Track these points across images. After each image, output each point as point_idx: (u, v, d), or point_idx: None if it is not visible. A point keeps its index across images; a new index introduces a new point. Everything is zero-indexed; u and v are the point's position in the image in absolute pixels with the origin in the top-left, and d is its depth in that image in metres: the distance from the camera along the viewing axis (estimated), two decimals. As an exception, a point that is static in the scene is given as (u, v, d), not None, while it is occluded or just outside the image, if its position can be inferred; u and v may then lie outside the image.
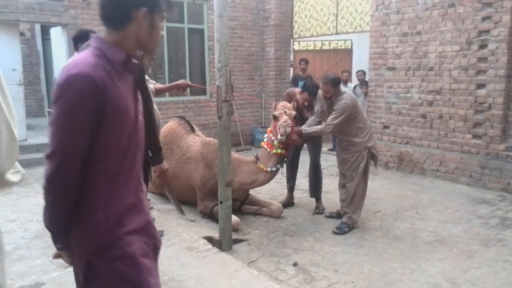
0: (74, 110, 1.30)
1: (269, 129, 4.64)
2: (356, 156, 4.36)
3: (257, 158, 4.59)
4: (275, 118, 4.38)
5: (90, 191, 1.41)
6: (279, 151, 4.42)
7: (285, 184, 5.28)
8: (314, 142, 4.97)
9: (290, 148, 4.59)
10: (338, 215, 4.66)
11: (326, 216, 4.81)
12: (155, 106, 3.49)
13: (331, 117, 4.26)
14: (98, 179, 1.42)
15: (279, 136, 4.21)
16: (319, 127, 4.41)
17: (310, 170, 5.09)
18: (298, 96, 4.80)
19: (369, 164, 4.46)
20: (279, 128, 4.20)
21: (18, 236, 3.84)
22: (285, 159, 4.58)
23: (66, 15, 7.10)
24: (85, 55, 1.38)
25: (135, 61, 1.49)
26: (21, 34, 9.54)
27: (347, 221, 4.40)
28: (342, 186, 4.62)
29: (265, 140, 4.60)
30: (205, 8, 8.63)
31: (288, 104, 4.53)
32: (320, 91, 4.47)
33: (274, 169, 4.47)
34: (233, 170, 4.22)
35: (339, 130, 4.36)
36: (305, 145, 5.05)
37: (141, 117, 1.53)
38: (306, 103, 4.71)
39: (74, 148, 1.33)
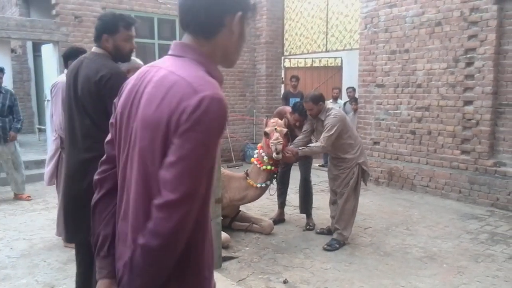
0: (213, 143, 1.05)
1: (259, 145, 4.66)
2: (347, 173, 4.38)
3: (247, 174, 4.59)
4: (266, 135, 4.40)
5: (196, 242, 1.15)
6: (269, 167, 4.43)
7: (276, 200, 5.28)
8: (304, 157, 4.99)
9: (280, 164, 4.60)
10: (329, 232, 4.66)
11: (317, 233, 4.80)
12: None
13: (324, 134, 4.27)
14: (202, 227, 1.15)
15: (274, 154, 4.23)
16: (315, 145, 4.40)
17: (300, 186, 5.10)
18: (289, 116, 4.84)
19: (360, 180, 4.48)
20: (271, 145, 4.22)
21: (3, 255, 3.79)
22: (275, 176, 4.59)
23: (58, 33, 7.13)
24: (198, 72, 1.11)
25: None
26: (13, 51, 9.55)
27: (337, 238, 4.40)
28: (332, 202, 4.63)
29: (255, 156, 4.61)
30: (178, 24, 8.70)
31: (279, 121, 4.56)
32: None
33: (264, 185, 4.48)
34: (223, 186, 4.21)
35: (331, 146, 4.38)
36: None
37: None
38: (297, 123, 4.74)
39: (200, 190, 1.06)
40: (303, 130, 4.66)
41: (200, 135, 1.02)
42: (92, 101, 2.31)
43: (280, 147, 4.20)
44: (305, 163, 5.03)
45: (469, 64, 5.91)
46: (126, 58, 2.55)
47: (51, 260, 3.66)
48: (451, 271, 3.83)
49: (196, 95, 1.02)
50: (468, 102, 5.97)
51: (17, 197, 5.75)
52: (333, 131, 4.23)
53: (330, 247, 4.31)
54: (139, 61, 3.14)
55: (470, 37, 5.87)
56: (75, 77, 2.39)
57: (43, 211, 5.23)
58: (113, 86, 2.19)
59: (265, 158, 4.42)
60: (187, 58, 1.14)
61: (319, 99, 4.38)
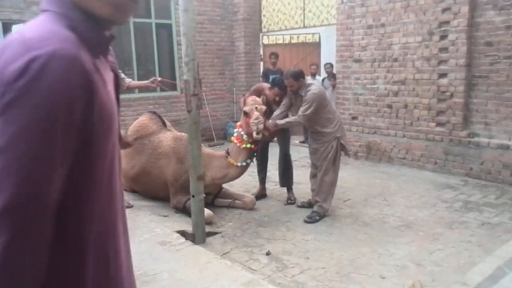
0: (52, 120, 0.71)
1: (238, 123, 4.68)
2: (325, 146, 4.48)
3: (227, 153, 4.62)
4: (246, 114, 4.42)
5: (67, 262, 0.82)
6: (248, 145, 4.47)
7: (257, 176, 5.34)
8: (283, 133, 5.05)
9: (260, 142, 4.65)
10: (309, 205, 4.76)
11: (298, 206, 4.90)
12: None
13: (302, 108, 4.35)
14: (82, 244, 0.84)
15: (255, 134, 4.26)
16: (292, 118, 4.49)
17: (280, 160, 5.17)
18: (267, 91, 4.86)
19: (339, 154, 4.58)
20: (252, 125, 4.24)
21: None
22: (255, 154, 4.64)
23: (28, 12, 6.91)
24: (51, 27, 0.79)
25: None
26: (-19, 32, 9.20)
27: (317, 210, 4.51)
28: (313, 176, 4.73)
29: (235, 135, 4.64)
30: (172, 3, 8.56)
31: (258, 99, 4.58)
32: None
33: (244, 164, 4.52)
34: (204, 164, 4.25)
35: (310, 121, 4.46)
36: None
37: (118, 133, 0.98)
38: (277, 98, 4.77)
39: (51, 190, 0.73)
40: (281, 104, 4.70)
41: (28, 113, 0.69)
42: None
43: (261, 126, 4.23)
44: (284, 138, 5.09)
45: (443, 37, 6.01)
46: None
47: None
48: (427, 238, 3.99)
49: (26, 54, 0.71)
50: (442, 75, 6.09)
51: None
52: (311, 107, 4.30)
53: (311, 219, 4.43)
54: None
55: (444, 10, 5.94)
56: None
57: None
58: None
59: (245, 136, 4.46)
60: (50, 12, 0.83)
61: (299, 75, 4.44)
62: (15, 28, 7.37)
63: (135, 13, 0.85)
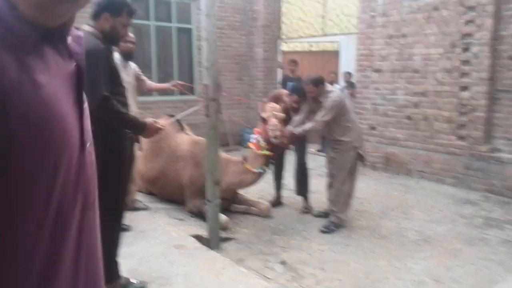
0: None
1: (256, 130, 4.67)
2: (343, 155, 4.42)
3: (244, 159, 4.60)
4: (264, 120, 4.40)
5: None
6: (266, 152, 4.44)
7: (274, 184, 5.31)
8: (300, 141, 5.01)
9: (277, 150, 4.61)
10: (326, 215, 4.70)
11: (314, 215, 4.85)
12: (135, 108, 3.41)
13: (320, 114, 4.31)
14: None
15: (272, 139, 4.23)
16: (309, 125, 4.43)
17: (296, 169, 5.12)
18: (286, 98, 4.83)
19: (357, 164, 4.52)
20: (269, 131, 4.22)
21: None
22: (272, 161, 4.61)
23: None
24: None
25: (77, 31, 0.87)
26: None
27: (334, 220, 4.45)
28: (330, 185, 4.67)
29: (253, 141, 4.62)
30: (193, 8, 8.62)
31: (276, 105, 4.56)
32: None
33: (260, 170, 4.49)
34: (221, 170, 4.23)
35: (328, 128, 4.42)
36: None
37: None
38: (295, 105, 4.74)
39: None
40: (301, 110, 4.67)
41: None
42: None
43: (278, 132, 4.21)
44: (301, 147, 5.06)
45: (465, 49, 5.92)
46: (118, 42, 2.60)
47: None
48: (446, 253, 3.90)
49: None
50: (464, 88, 5.99)
51: None
52: (329, 114, 4.26)
53: (327, 229, 4.37)
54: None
55: (467, 22, 5.86)
56: None
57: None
58: (87, 61, 2.22)
59: (262, 143, 4.43)
60: None
61: (319, 82, 4.41)
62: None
63: (71, 15, 0.73)
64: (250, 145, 4.63)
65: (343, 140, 4.41)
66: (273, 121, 4.26)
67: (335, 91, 4.55)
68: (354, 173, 4.52)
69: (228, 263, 3.33)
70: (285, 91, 5.12)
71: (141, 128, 2.57)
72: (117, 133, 2.49)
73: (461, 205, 5.30)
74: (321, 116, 4.29)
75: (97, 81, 2.30)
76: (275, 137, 4.20)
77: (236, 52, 9.43)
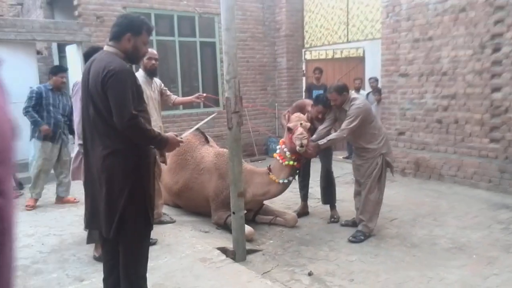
0: None
1: (281, 140, 4.64)
2: (370, 163, 4.34)
3: (269, 169, 4.58)
4: (290, 130, 4.36)
5: None
6: (291, 162, 4.40)
7: (299, 193, 5.25)
8: (325, 149, 4.93)
9: (303, 160, 4.56)
10: (353, 224, 4.61)
11: (342, 225, 4.76)
12: (159, 123, 3.46)
13: (345, 122, 4.25)
14: None
15: (298, 148, 4.19)
16: (334, 135, 4.36)
17: (322, 177, 5.05)
18: (310, 108, 4.79)
19: (384, 171, 4.42)
20: (295, 140, 4.18)
21: (35, 250, 3.90)
22: (297, 171, 4.56)
23: (81, 33, 7.27)
24: None
25: None
26: (39, 52, 9.80)
27: (362, 229, 4.35)
28: (357, 194, 4.58)
29: (278, 151, 4.59)
30: (216, 22, 8.73)
31: (302, 115, 4.52)
32: None
33: (286, 181, 4.44)
34: (245, 181, 4.22)
35: (354, 136, 4.35)
36: None
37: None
38: (320, 116, 4.68)
39: None
40: (326, 119, 4.61)
41: None
42: (99, 97, 2.37)
43: (305, 141, 4.15)
44: (326, 154, 4.98)
45: (496, 50, 5.72)
46: (139, 60, 2.69)
47: (80, 255, 3.75)
48: (481, 262, 3.74)
49: None
50: (496, 89, 5.78)
51: (63, 200, 5.56)
52: (354, 121, 4.19)
53: (355, 239, 4.27)
54: None
55: (497, 22, 5.67)
56: (88, 75, 2.47)
57: (72, 207, 5.36)
58: (116, 81, 2.31)
59: (288, 153, 4.40)
60: None
61: (343, 89, 4.35)
62: (68, 49, 7.78)
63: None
64: (276, 155, 4.61)
65: (370, 147, 4.32)
66: (300, 130, 4.22)
67: (359, 98, 4.48)
68: (381, 181, 4.41)
69: (254, 276, 3.29)
70: (308, 101, 5.07)
71: (164, 144, 2.61)
72: (142, 150, 2.53)
73: (496, 210, 5.07)
74: (347, 124, 4.22)
75: (126, 100, 2.35)
76: (301, 146, 4.15)
77: (260, 62, 9.47)
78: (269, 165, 4.65)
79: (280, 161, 4.48)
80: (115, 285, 2.69)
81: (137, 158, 2.47)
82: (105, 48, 2.54)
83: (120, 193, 2.40)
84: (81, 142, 3.13)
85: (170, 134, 2.71)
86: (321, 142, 4.33)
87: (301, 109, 4.85)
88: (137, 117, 2.38)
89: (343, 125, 4.25)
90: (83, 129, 2.57)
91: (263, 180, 4.55)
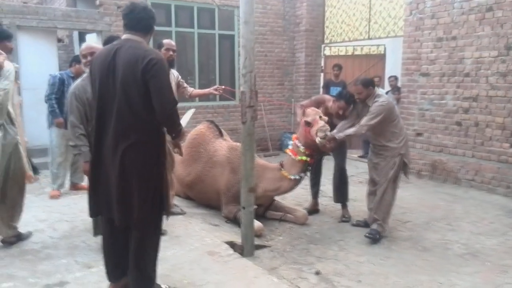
0: None
1: (294, 135, 4.59)
2: (387, 162, 4.27)
3: (281, 165, 4.53)
4: (308, 123, 4.30)
5: None
6: (304, 158, 4.35)
7: (310, 190, 5.20)
8: (340, 146, 4.85)
9: (316, 156, 4.51)
10: (365, 224, 4.54)
11: (353, 225, 4.69)
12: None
13: (366, 118, 4.17)
14: None
15: (319, 140, 4.13)
16: (352, 129, 4.28)
17: (335, 175, 4.97)
18: (330, 104, 4.71)
19: (400, 172, 4.34)
20: (318, 132, 4.13)
21: (46, 236, 3.95)
22: (309, 167, 4.50)
23: (102, 22, 7.32)
24: None
25: None
26: (60, 40, 9.92)
27: (377, 228, 4.26)
28: (370, 193, 4.51)
29: (290, 147, 4.54)
30: (236, 15, 8.68)
31: (318, 109, 4.46)
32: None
33: (297, 177, 4.40)
34: (257, 176, 4.19)
35: (374, 133, 4.28)
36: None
37: None
38: (341, 112, 4.61)
39: None
40: (349, 115, 4.53)
41: None
42: (136, 86, 2.34)
43: (328, 133, 4.14)
44: (340, 152, 4.89)
45: (522, 51, 5.54)
46: None
47: (90, 242, 3.79)
48: (494, 269, 3.64)
49: None
50: (520, 92, 5.60)
51: (77, 187, 5.58)
52: (375, 119, 4.12)
53: (372, 235, 4.18)
54: None
55: (525, 23, 5.49)
56: (110, 65, 2.41)
57: (85, 194, 5.37)
58: (160, 69, 2.34)
59: (301, 148, 4.35)
60: None
61: (369, 83, 4.29)
62: (89, 37, 7.84)
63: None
64: (288, 151, 4.56)
65: (389, 145, 4.25)
66: (322, 123, 4.19)
67: (384, 95, 4.40)
68: (396, 181, 4.34)
69: (261, 272, 3.27)
70: (328, 97, 4.99)
71: (182, 133, 2.68)
72: (161, 140, 2.56)
73: (514, 218, 4.94)
74: (367, 120, 4.15)
75: (170, 88, 2.47)
76: (323, 138, 4.10)
77: (278, 57, 9.40)
78: (281, 161, 4.61)
79: (293, 156, 4.43)
80: (122, 275, 2.71)
81: (158, 148, 2.51)
82: (130, 37, 2.48)
83: (143, 183, 2.43)
84: (72, 143, 3.14)
85: None
86: (338, 135, 4.26)
87: (319, 104, 4.78)
88: (176, 104, 2.46)
89: (363, 121, 4.18)
90: (96, 120, 2.52)
91: (275, 176, 4.51)
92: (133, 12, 2.49)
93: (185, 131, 2.69)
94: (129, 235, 2.61)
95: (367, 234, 4.22)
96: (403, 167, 4.35)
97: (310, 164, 4.45)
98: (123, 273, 2.72)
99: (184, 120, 3.01)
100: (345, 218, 4.83)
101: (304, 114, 4.42)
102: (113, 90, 2.40)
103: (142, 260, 2.61)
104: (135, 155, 2.40)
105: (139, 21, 2.49)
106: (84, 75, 3.48)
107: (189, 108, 8.16)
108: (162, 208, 2.60)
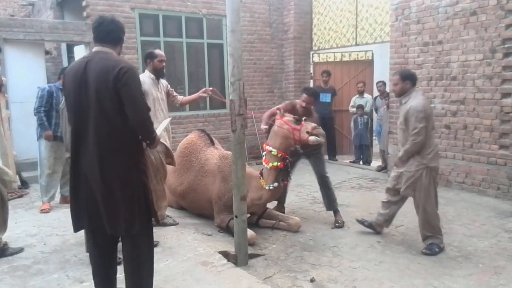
0: None
1: (265, 144, 4.59)
2: (413, 172, 3.99)
3: (261, 173, 4.53)
4: (298, 121, 4.33)
5: None
6: (275, 163, 4.35)
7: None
8: (315, 155, 4.91)
9: (288, 160, 4.45)
10: (369, 225, 4.52)
11: (357, 220, 4.62)
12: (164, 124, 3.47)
13: (412, 122, 3.87)
14: None
15: (313, 138, 4.21)
16: (407, 145, 3.96)
17: (319, 184, 4.99)
18: (299, 100, 4.88)
19: (433, 183, 4.07)
20: (316, 131, 4.23)
21: (37, 251, 3.90)
22: (289, 172, 4.50)
23: (89, 34, 7.28)
24: None
25: None
26: (48, 52, 9.86)
27: (434, 241, 4.05)
28: (387, 202, 4.36)
29: (264, 157, 4.54)
30: (224, 24, 8.71)
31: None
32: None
33: (272, 187, 4.37)
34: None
35: (405, 138, 4.02)
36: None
37: None
38: (304, 104, 4.74)
39: None
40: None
41: None
42: (108, 95, 2.38)
43: (322, 131, 4.25)
44: (316, 159, 4.96)
45: (507, 54, 5.62)
46: None
47: (82, 256, 3.74)
48: (488, 271, 3.66)
49: None
50: (506, 95, 5.67)
51: (68, 200, 5.53)
52: (422, 116, 3.83)
53: (430, 251, 3.99)
54: None
55: (508, 26, 5.57)
56: (82, 77, 2.45)
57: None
58: (131, 77, 2.40)
59: (274, 151, 4.35)
60: None
61: (407, 77, 4.02)
62: (77, 49, 7.81)
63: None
64: (263, 161, 4.55)
65: (419, 155, 3.96)
66: (311, 124, 4.31)
67: (422, 97, 4.07)
68: (430, 192, 4.04)
69: (255, 281, 3.25)
70: (297, 101, 5.04)
71: (157, 140, 2.68)
72: (139, 148, 2.59)
73: (504, 219, 4.98)
74: (414, 126, 3.84)
75: (142, 95, 2.54)
76: (320, 135, 4.21)
77: (267, 65, 9.43)
78: (262, 169, 4.58)
79: (266, 165, 4.43)
80: (110, 284, 2.71)
81: (135, 156, 2.55)
82: (100, 49, 2.56)
83: (125, 190, 2.46)
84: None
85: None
86: (400, 156, 4.05)
87: (293, 107, 4.86)
88: (149, 111, 2.51)
89: (412, 128, 3.88)
90: (73, 133, 2.54)
91: (258, 184, 4.49)
92: (102, 25, 2.58)
93: (158, 138, 2.68)
94: (114, 247, 2.65)
95: (424, 251, 4.01)
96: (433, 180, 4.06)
97: (281, 169, 4.38)
98: (112, 285, 2.71)
99: (159, 129, 3.00)
100: (338, 223, 4.83)
101: (282, 113, 4.45)
102: (87, 101, 2.44)
103: (137, 272, 2.60)
104: (114, 163, 2.44)
105: (108, 33, 2.58)
106: None
107: (179, 117, 8.17)
108: (150, 215, 2.61)
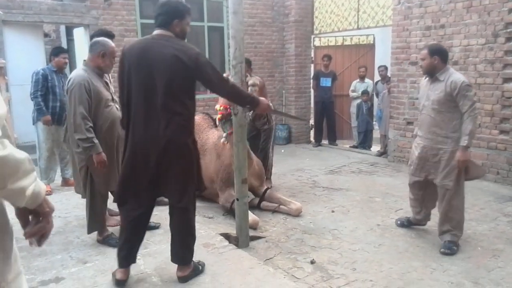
0: None
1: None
2: (446, 157, 3.68)
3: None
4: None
5: None
6: (219, 109, 4.30)
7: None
8: (265, 131, 5.26)
9: (228, 108, 4.20)
10: (409, 223, 4.30)
11: (398, 225, 4.36)
12: None
13: (467, 102, 3.51)
14: None
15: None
16: (467, 124, 3.53)
17: (260, 156, 5.27)
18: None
19: (464, 174, 3.77)
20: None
21: (40, 232, 3.93)
22: (228, 122, 4.25)
23: (88, 16, 7.23)
24: None
25: None
26: (47, 35, 9.77)
27: (452, 239, 3.78)
28: (416, 198, 4.14)
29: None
30: (225, 7, 8.63)
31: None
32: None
33: (223, 138, 4.37)
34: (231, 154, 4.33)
35: (441, 119, 3.67)
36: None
37: None
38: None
39: None
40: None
41: None
42: (178, 78, 2.65)
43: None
44: (265, 135, 5.37)
45: (509, 39, 5.59)
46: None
47: (84, 237, 3.78)
48: (486, 254, 3.70)
49: None
50: (508, 79, 5.66)
51: (69, 182, 5.38)
52: (473, 100, 3.53)
53: (449, 250, 3.69)
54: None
55: (511, 11, 5.53)
56: (143, 59, 2.67)
57: (77, 190, 5.38)
58: (203, 58, 2.80)
59: (217, 106, 4.35)
60: None
61: (436, 52, 3.65)
62: (76, 31, 7.74)
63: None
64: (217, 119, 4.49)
65: (454, 136, 3.64)
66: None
67: (458, 73, 3.74)
68: (460, 182, 3.77)
69: (256, 263, 3.29)
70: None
71: (256, 102, 3.13)
72: (193, 121, 3.02)
73: (503, 203, 5.02)
74: (469, 102, 3.51)
75: (218, 73, 2.92)
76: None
77: (268, 48, 9.37)
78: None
79: (218, 122, 4.50)
80: (133, 260, 2.96)
81: (193, 132, 2.91)
82: (159, 32, 2.78)
83: (183, 164, 2.76)
84: (83, 136, 3.30)
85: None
86: (465, 142, 3.55)
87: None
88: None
89: (467, 107, 3.51)
90: (135, 111, 2.73)
91: (224, 148, 4.70)
92: (158, 12, 2.80)
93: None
94: (149, 218, 2.98)
95: (442, 250, 3.71)
96: (467, 170, 3.74)
97: (225, 119, 4.26)
98: (134, 259, 2.96)
99: None
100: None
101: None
102: (152, 83, 2.65)
103: (185, 232, 2.91)
104: (175, 130, 2.68)
105: (159, 18, 2.79)
106: (83, 67, 3.50)
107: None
108: (199, 185, 2.98)
